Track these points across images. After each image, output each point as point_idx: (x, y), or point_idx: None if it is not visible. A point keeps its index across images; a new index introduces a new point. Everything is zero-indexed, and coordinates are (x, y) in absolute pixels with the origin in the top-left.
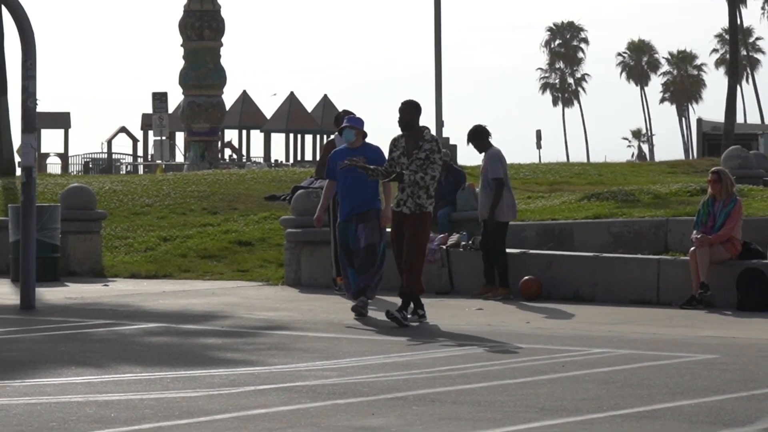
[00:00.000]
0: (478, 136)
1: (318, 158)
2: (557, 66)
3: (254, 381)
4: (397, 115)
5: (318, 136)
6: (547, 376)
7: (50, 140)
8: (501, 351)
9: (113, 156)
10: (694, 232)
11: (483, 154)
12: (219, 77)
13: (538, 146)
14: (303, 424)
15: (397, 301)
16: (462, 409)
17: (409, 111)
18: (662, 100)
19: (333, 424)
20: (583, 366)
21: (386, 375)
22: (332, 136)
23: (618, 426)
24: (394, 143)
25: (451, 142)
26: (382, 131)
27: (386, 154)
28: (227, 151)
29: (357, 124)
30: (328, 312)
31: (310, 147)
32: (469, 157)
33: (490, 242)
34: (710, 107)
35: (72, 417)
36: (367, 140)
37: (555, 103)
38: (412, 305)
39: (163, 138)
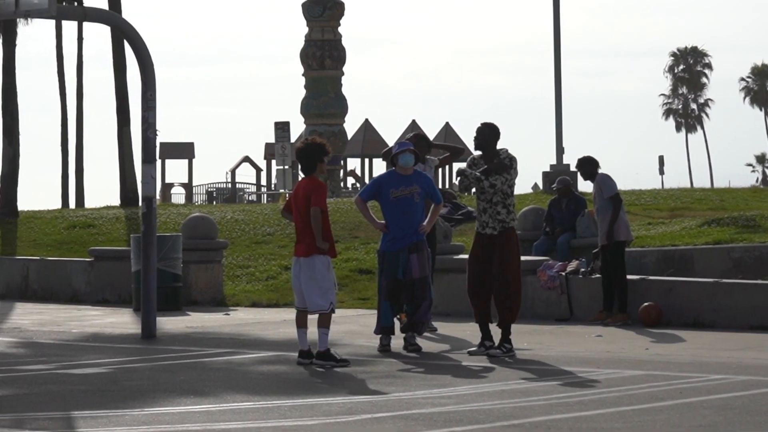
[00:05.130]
0: (588, 164)
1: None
2: (680, 92)
3: (371, 409)
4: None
5: None
6: (665, 403)
7: (175, 170)
8: (619, 378)
9: (237, 185)
10: None
11: (591, 182)
12: (340, 106)
13: (661, 172)
14: None
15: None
16: None
17: (485, 132)
18: None
19: None
20: (701, 392)
21: (503, 402)
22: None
23: None
24: (473, 161)
25: (572, 168)
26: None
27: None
28: (350, 180)
29: (409, 147)
30: (448, 341)
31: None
32: (589, 184)
33: (610, 265)
34: None
35: None
36: None
37: (678, 129)
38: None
39: (286, 167)
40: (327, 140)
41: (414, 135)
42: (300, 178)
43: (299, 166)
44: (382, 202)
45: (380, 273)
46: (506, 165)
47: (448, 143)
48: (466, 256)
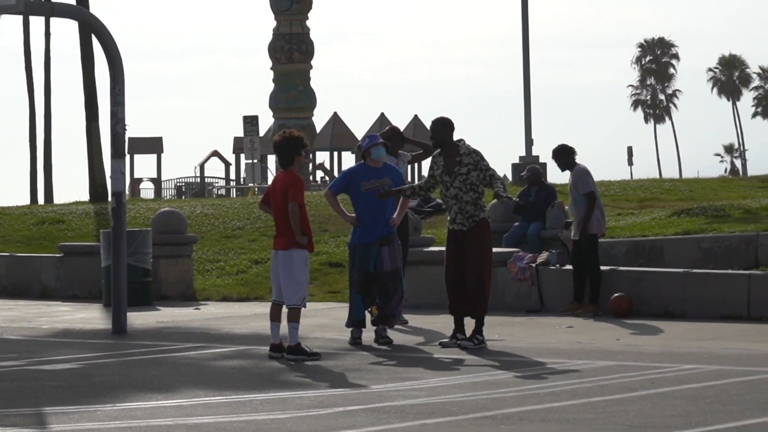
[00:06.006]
0: (564, 153)
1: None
2: (648, 82)
3: (343, 402)
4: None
5: None
6: (637, 393)
7: (143, 165)
8: (590, 368)
9: (206, 180)
10: None
11: (568, 172)
12: (309, 99)
13: (630, 163)
14: None
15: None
16: (550, 427)
17: (439, 129)
18: (754, 115)
19: None
20: (672, 382)
21: (475, 394)
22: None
23: None
24: (435, 161)
25: (541, 160)
26: None
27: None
28: (318, 173)
29: (379, 140)
30: (419, 333)
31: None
32: (559, 174)
33: (583, 257)
34: None
35: None
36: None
37: (647, 120)
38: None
39: (255, 161)
40: None
41: (389, 128)
42: (273, 172)
43: (277, 160)
44: (352, 195)
45: (351, 266)
46: (482, 168)
47: (422, 140)
48: (436, 249)
